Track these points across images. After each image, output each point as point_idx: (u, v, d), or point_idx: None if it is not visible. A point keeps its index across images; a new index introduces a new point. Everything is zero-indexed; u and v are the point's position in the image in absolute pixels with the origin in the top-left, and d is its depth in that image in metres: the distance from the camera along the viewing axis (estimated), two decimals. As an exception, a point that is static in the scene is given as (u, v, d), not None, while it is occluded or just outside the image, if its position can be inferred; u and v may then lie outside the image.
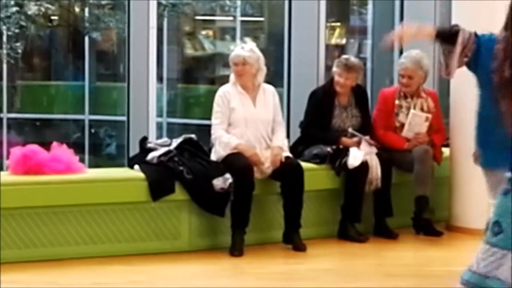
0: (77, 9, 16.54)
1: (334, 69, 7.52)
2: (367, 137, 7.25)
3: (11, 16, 15.10)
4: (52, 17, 16.34)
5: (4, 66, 15.46)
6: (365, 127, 7.44)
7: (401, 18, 10.44)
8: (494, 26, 6.93)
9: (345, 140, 7.16)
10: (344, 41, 15.67)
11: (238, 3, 16.27)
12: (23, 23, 15.56)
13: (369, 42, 13.02)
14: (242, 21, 16.46)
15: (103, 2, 15.71)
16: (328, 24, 13.29)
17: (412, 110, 7.39)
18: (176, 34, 16.80)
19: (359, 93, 7.64)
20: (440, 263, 6.56)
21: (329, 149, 7.09)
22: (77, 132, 15.58)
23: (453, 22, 7.41)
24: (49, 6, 15.76)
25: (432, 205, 7.39)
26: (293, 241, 6.74)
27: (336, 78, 7.33)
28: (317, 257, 6.74)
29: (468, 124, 7.00)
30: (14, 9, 15.12)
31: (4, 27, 15.51)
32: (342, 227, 7.11)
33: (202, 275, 6.19)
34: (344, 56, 8.21)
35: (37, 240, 6.18)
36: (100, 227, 6.51)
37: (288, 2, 10.03)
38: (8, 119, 15.52)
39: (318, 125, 7.44)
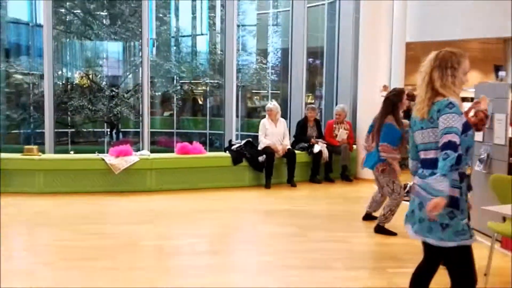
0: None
1: (306, 111, 11.05)
2: (321, 140, 10.81)
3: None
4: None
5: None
6: (320, 136, 10.96)
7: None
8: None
9: (313, 141, 10.66)
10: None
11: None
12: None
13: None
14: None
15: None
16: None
17: (340, 130, 10.82)
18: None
19: (316, 121, 11.13)
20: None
21: (306, 144, 10.69)
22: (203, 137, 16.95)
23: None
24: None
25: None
26: (291, 182, 10.18)
27: (309, 114, 10.94)
28: (302, 190, 9.96)
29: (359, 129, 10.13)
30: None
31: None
32: (312, 176, 10.60)
33: (254, 195, 9.49)
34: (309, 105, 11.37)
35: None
36: (215, 176, 9.97)
37: None
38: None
39: (302, 134, 10.90)
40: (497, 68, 8.65)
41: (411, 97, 7.05)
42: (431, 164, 3.38)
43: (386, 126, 6.49)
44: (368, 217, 7.41)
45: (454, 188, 3.30)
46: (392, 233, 6.71)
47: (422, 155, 3.52)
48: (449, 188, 3.22)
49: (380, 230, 6.78)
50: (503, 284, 4.93)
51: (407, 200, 3.70)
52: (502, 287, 4.88)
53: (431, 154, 3.42)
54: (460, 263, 3.40)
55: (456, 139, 3.20)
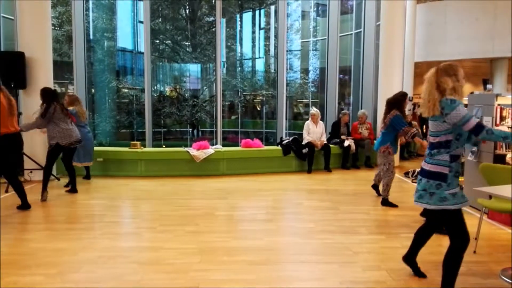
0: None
1: (340, 115, 10.89)
2: (350, 137, 10.60)
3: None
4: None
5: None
6: (349, 133, 10.79)
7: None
8: None
9: (343, 137, 10.57)
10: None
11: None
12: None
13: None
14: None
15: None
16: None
17: (363, 128, 10.68)
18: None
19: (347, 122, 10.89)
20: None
21: (338, 140, 10.58)
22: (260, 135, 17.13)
23: None
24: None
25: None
26: (327, 168, 10.06)
27: (342, 117, 10.79)
28: (335, 174, 9.85)
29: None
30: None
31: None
32: (343, 164, 10.43)
33: (299, 178, 9.35)
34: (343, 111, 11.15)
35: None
36: (270, 163, 9.89)
37: None
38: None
39: (336, 131, 10.78)
40: (485, 81, 8.49)
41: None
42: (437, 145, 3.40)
43: (396, 117, 6.45)
44: (375, 187, 7.48)
45: (443, 167, 3.34)
46: (394, 205, 6.75)
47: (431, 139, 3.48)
48: (439, 167, 3.32)
49: (385, 203, 6.81)
50: (489, 247, 4.90)
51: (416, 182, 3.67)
52: (489, 249, 4.84)
53: (437, 139, 3.40)
54: (452, 223, 3.39)
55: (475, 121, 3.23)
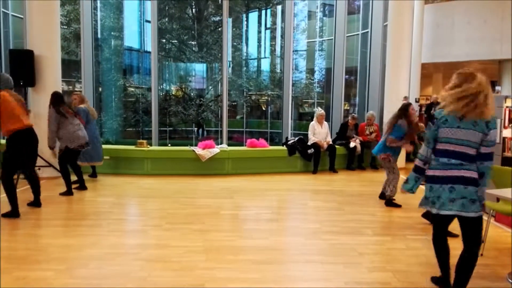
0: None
1: (349, 118, 10.91)
2: (358, 137, 10.59)
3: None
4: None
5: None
6: (357, 134, 10.68)
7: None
8: None
9: (351, 140, 10.44)
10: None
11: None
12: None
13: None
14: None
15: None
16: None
17: (370, 130, 10.61)
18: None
19: (355, 125, 10.92)
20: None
21: (344, 141, 10.51)
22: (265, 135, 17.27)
23: None
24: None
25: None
26: (333, 169, 10.13)
27: (350, 120, 10.79)
28: (340, 175, 9.83)
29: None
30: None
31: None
32: (348, 165, 10.38)
33: (304, 179, 9.34)
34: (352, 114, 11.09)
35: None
36: (275, 163, 9.86)
37: None
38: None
39: (343, 133, 10.76)
40: (493, 83, 8.44)
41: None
42: (460, 156, 3.35)
43: (398, 125, 6.57)
44: (383, 195, 7.32)
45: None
46: (397, 206, 6.82)
47: (451, 147, 3.40)
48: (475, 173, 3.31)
49: (389, 203, 6.87)
50: (496, 250, 4.88)
51: (422, 184, 3.67)
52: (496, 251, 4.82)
53: (461, 149, 3.35)
54: (480, 228, 3.41)
55: None
